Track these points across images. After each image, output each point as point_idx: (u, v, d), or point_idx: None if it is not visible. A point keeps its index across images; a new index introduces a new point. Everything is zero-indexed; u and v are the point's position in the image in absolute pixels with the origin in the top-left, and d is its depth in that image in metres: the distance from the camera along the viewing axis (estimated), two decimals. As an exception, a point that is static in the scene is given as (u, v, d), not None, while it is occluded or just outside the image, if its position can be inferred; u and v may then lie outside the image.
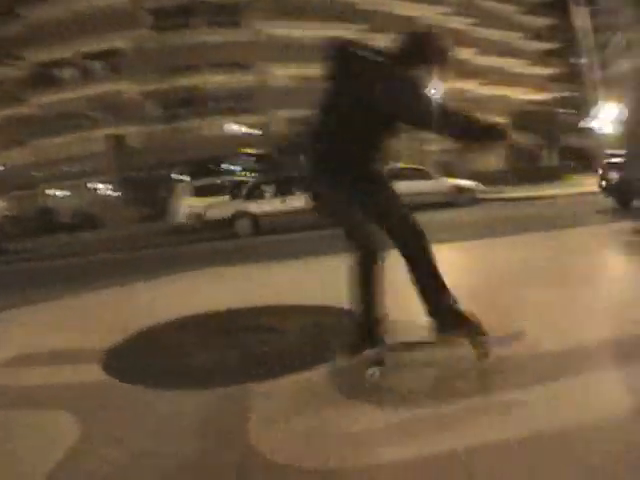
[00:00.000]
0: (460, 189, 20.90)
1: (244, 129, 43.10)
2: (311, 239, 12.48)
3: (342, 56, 3.23)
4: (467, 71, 50.19)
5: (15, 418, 3.07)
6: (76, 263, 14.62)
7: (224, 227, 17.47)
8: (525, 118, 43.47)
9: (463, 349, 3.20)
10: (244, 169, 39.07)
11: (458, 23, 50.74)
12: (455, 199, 20.15)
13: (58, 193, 43.59)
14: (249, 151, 40.85)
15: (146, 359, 4.00)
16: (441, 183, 20.87)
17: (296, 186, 17.04)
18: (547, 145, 44.98)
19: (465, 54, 51.21)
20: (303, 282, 6.62)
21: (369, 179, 3.27)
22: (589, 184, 17.00)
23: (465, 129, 3.06)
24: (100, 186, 41.06)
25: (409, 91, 3.04)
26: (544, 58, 60.97)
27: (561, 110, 51.70)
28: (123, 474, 2.38)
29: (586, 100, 38.00)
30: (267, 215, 17.45)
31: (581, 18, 32.01)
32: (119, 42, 42.02)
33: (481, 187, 22.25)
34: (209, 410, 3.03)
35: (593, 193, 14.13)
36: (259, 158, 40.45)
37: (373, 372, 3.10)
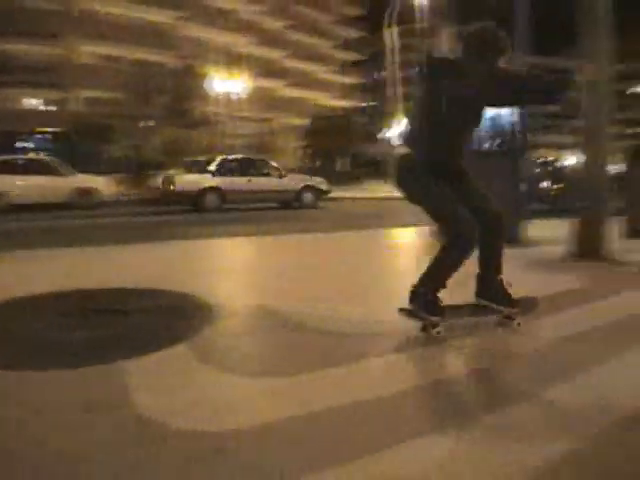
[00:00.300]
0: (311, 186, 20.85)
1: (41, 105, 40.63)
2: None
3: (439, 66, 3.67)
4: (274, 71, 51.35)
5: None
6: None
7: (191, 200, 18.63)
8: (323, 123, 45.32)
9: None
10: (38, 147, 36.82)
11: (271, 23, 51.68)
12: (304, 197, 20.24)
13: None
14: (44, 129, 38.48)
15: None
16: (291, 180, 20.66)
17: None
18: (340, 151, 46.75)
19: (274, 55, 52.36)
20: (159, 264, 6.72)
21: (461, 171, 3.71)
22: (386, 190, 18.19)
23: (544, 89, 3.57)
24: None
25: (502, 83, 3.54)
26: (350, 68, 64.00)
27: (359, 119, 54.35)
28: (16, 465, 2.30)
29: (385, 112, 40.39)
30: (234, 191, 18.88)
31: (390, 35, 34.12)
32: None
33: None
34: (87, 388, 2.97)
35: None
36: (54, 137, 38.34)
37: (438, 331, 3.62)
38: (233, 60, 39.76)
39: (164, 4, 41.99)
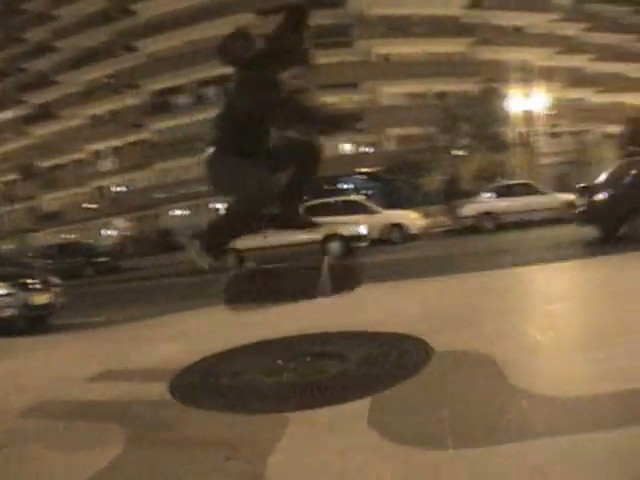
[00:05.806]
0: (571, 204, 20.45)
1: (355, 149, 42.67)
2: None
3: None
4: (580, 79, 47.51)
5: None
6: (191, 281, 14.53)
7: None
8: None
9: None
10: (359, 188, 37.91)
11: (569, 29, 48.26)
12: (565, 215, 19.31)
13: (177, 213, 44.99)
14: (362, 170, 39.89)
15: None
16: (551, 198, 20.93)
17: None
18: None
19: (577, 61, 48.63)
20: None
21: None
22: None
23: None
24: (219, 206, 40.54)
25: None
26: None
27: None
28: None
29: None
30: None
31: None
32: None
33: None
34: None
35: None
36: (371, 177, 39.51)
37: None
38: (534, 75, 37.46)
39: (455, 33, 41.75)
